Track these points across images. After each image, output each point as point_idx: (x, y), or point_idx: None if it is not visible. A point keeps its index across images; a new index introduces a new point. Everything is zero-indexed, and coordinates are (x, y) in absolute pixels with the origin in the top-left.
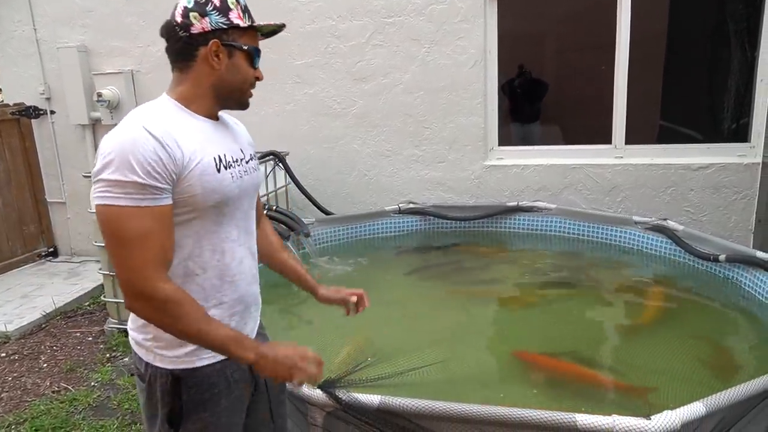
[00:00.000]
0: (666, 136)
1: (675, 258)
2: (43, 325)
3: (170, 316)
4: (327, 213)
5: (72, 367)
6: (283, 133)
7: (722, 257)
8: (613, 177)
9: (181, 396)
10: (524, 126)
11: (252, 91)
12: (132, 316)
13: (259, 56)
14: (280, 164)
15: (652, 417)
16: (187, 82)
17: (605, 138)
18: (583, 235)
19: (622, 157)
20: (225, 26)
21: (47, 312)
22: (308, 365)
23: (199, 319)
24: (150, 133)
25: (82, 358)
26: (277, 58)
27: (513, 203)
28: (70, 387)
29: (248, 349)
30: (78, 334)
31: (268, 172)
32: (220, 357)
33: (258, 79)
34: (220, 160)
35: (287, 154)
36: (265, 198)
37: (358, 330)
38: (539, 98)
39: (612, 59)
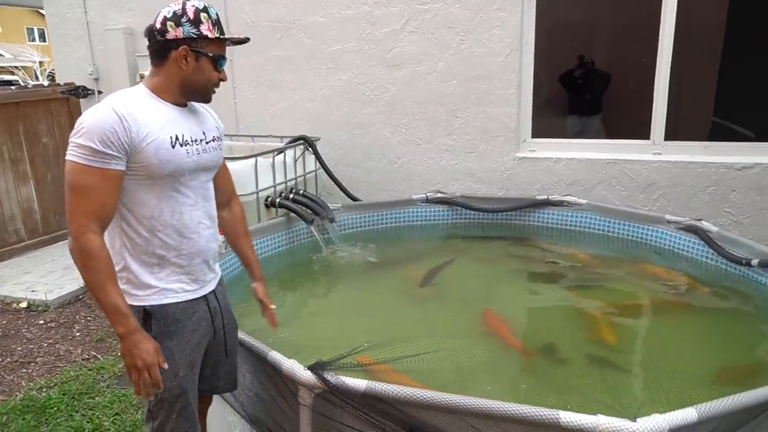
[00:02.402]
0: (718, 133)
1: (707, 260)
2: (81, 296)
3: (82, 263)
4: (354, 199)
5: (102, 337)
6: (315, 118)
7: (755, 261)
8: (649, 174)
9: (152, 328)
10: (582, 118)
11: (216, 89)
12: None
13: (224, 62)
14: (310, 149)
15: (638, 419)
16: (159, 76)
17: (647, 133)
18: (613, 232)
19: (660, 154)
20: (195, 36)
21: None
22: (146, 376)
23: (102, 277)
24: (114, 110)
25: (112, 329)
26: (312, 44)
27: (543, 197)
28: (99, 356)
29: (122, 325)
30: None
31: (297, 157)
32: (185, 297)
33: (222, 80)
34: (177, 138)
35: (318, 140)
36: (294, 182)
37: None
38: (601, 90)
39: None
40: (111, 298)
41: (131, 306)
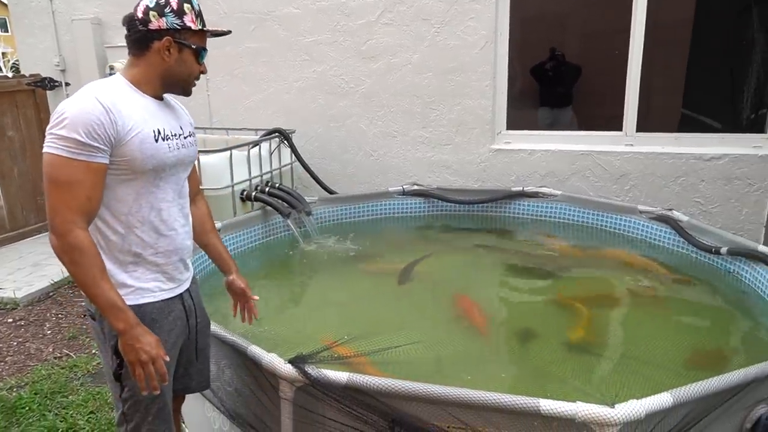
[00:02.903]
0: (687, 125)
1: (678, 249)
2: (51, 294)
3: (70, 260)
4: (331, 192)
5: (75, 335)
6: (291, 111)
7: (724, 250)
8: (621, 165)
9: None
10: (553, 110)
11: (196, 81)
12: None
13: (205, 54)
14: (286, 142)
15: (616, 405)
16: (139, 67)
17: (619, 124)
18: (587, 222)
19: (632, 145)
20: (178, 27)
21: (55, 281)
22: (151, 369)
23: (95, 273)
24: (99, 102)
25: (84, 326)
26: (286, 35)
27: (518, 188)
28: (71, 354)
29: (121, 320)
30: (83, 303)
31: (272, 150)
32: (162, 296)
33: (202, 72)
34: (159, 132)
35: (293, 132)
36: (269, 175)
37: None
38: (571, 82)
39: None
40: (106, 293)
41: None
